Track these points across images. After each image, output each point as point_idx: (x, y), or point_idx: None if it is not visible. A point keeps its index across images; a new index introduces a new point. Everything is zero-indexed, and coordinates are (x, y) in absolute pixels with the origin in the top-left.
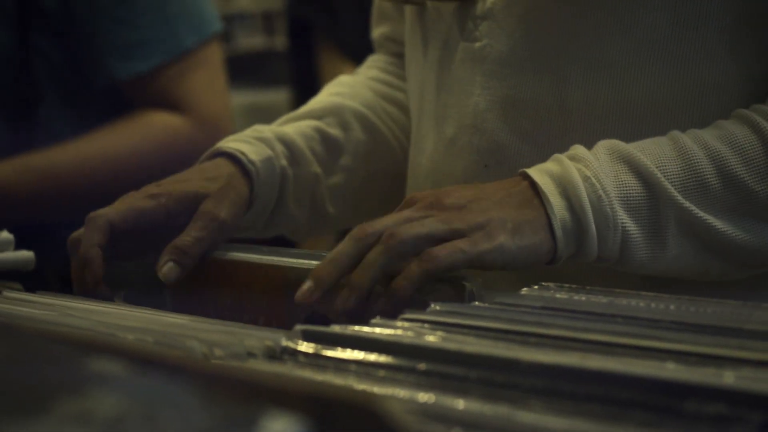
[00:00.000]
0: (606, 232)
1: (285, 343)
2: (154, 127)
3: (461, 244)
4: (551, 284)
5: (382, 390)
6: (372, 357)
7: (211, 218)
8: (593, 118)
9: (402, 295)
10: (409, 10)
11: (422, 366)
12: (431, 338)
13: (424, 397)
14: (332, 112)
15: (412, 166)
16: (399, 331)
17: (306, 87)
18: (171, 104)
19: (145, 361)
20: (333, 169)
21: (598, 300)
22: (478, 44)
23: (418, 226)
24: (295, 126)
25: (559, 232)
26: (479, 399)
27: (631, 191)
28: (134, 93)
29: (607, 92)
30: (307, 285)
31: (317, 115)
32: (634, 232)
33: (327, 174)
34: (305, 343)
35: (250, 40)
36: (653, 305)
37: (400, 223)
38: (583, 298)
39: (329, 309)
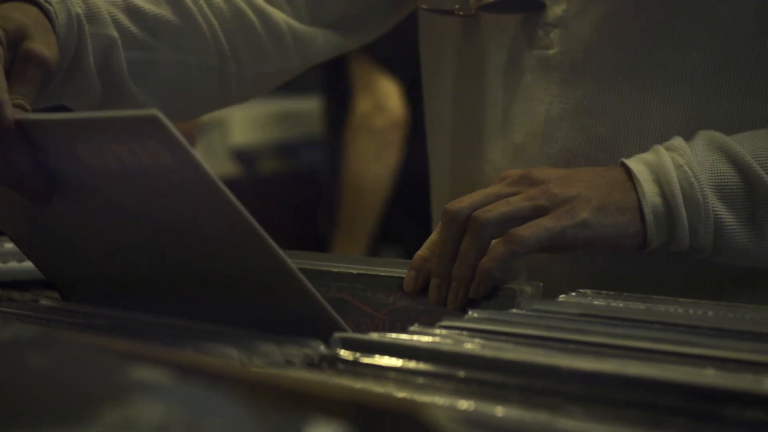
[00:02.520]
0: (697, 220)
1: (324, 350)
2: None
3: (545, 221)
4: (589, 291)
5: (422, 397)
6: (411, 364)
7: (41, 61)
8: (670, 126)
9: (490, 276)
10: (448, 21)
11: (461, 373)
12: (470, 345)
13: (464, 404)
14: None
15: (469, 172)
16: (437, 339)
17: (337, 95)
18: None
19: (185, 369)
20: (133, 41)
21: (636, 306)
22: (550, 51)
23: (504, 204)
24: None
25: (649, 217)
26: (519, 406)
27: (725, 180)
28: None
29: (685, 100)
30: (410, 274)
31: None
32: (728, 220)
33: (126, 45)
34: (344, 350)
35: None
36: (691, 311)
37: (488, 201)
38: (621, 305)
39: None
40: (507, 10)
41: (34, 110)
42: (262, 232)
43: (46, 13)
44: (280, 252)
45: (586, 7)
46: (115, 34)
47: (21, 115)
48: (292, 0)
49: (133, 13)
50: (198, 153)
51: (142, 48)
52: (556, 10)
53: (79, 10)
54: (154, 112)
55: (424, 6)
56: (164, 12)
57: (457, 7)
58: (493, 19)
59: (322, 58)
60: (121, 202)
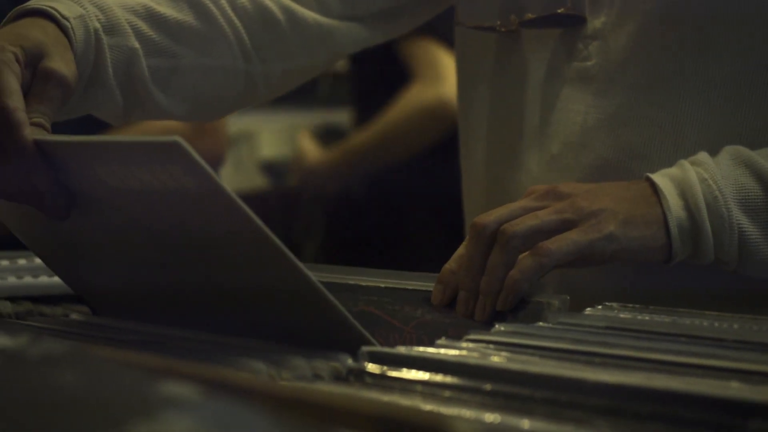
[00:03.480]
0: (722, 232)
1: (351, 364)
2: None
3: (572, 234)
4: (615, 304)
5: (448, 410)
6: (438, 378)
7: (60, 80)
8: (706, 136)
9: (518, 289)
10: (486, 37)
11: (488, 386)
12: (496, 359)
13: (490, 417)
14: None
15: (503, 182)
16: (464, 352)
17: (368, 107)
18: None
19: (214, 384)
20: (155, 49)
21: (662, 319)
22: (589, 63)
23: (531, 218)
24: None
25: (674, 230)
26: (544, 419)
27: (750, 193)
28: None
29: (719, 109)
30: (437, 288)
31: None
32: (753, 233)
33: (148, 53)
34: (371, 364)
35: None
36: (716, 324)
37: (515, 215)
38: (647, 318)
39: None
40: (548, 25)
41: (58, 123)
42: (285, 249)
43: (64, 30)
44: (304, 268)
45: (622, 19)
46: (136, 44)
47: (40, 135)
48: None
49: (155, 20)
50: (227, 167)
51: (165, 55)
52: (595, 23)
53: (98, 24)
54: (176, 138)
55: (465, 23)
56: (186, 17)
57: (498, 23)
58: (534, 34)
59: (350, 51)
60: (142, 221)
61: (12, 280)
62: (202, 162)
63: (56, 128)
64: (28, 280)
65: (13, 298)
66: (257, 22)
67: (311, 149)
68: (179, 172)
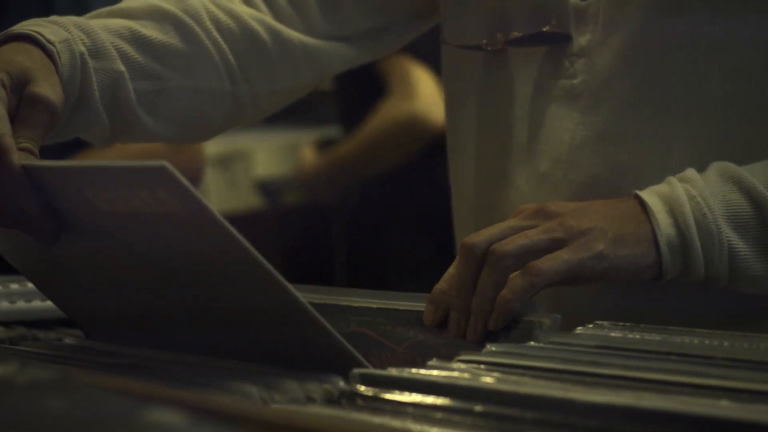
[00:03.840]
0: (711, 249)
1: (343, 386)
2: None
3: (562, 254)
4: (606, 323)
5: None
6: (429, 399)
7: (46, 105)
8: (693, 152)
9: (509, 308)
10: (472, 55)
11: (479, 408)
12: (487, 379)
13: None
14: (149, 15)
15: (493, 200)
16: (455, 373)
17: (355, 124)
18: None
19: (204, 409)
20: (141, 72)
21: (652, 338)
22: (575, 81)
23: (521, 237)
24: (102, 21)
25: (664, 248)
26: None
27: (738, 210)
28: None
29: (706, 126)
30: (429, 308)
31: (130, 14)
32: (742, 249)
33: (133, 76)
34: (363, 386)
35: None
36: (707, 342)
37: (504, 234)
38: (638, 336)
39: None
40: (534, 43)
41: (46, 147)
42: (273, 270)
43: (49, 54)
44: (294, 291)
45: (607, 36)
46: (122, 67)
47: (28, 161)
48: (306, 15)
49: (140, 43)
50: (221, 187)
51: (151, 78)
52: (581, 41)
53: (83, 48)
54: (163, 163)
55: (451, 42)
56: (171, 40)
57: (484, 42)
58: (520, 52)
59: (336, 71)
60: (132, 244)
61: (4, 304)
62: (189, 185)
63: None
64: (20, 304)
65: (6, 323)
66: (243, 43)
67: (309, 158)
68: (166, 195)
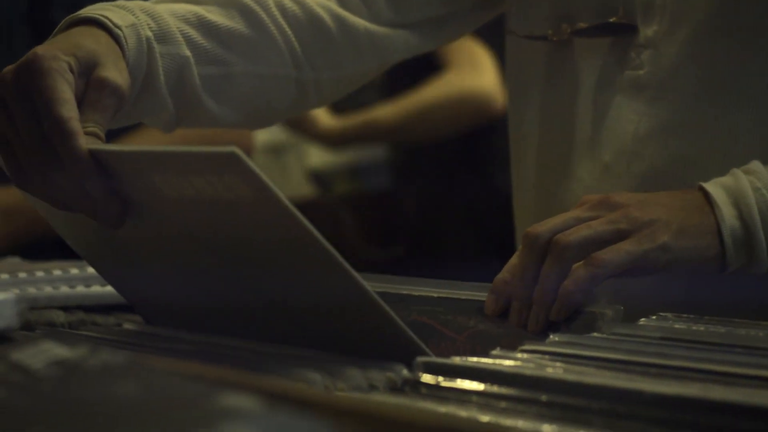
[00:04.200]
0: None
1: (406, 374)
2: None
3: (626, 245)
4: (669, 314)
5: (505, 421)
6: (493, 388)
7: (114, 89)
8: (758, 144)
9: (572, 299)
10: (539, 44)
11: (544, 397)
12: (551, 369)
13: (547, 428)
14: (215, 0)
15: (555, 191)
16: (519, 363)
17: (395, 89)
18: None
19: (272, 395)
20: (207, 57)
21: (717, 330)
22: (641, 72)
23: (585, 228)
24: (168, 6)
25: (728, 240)
26: (601, 430)
27: None
28: None
29: None
30: (491, 298)
31: (197, 0)
32: None
33: (199, 61)
34: (426, 374)
35: None
36: None
37: (568, 225)
38: (702, 328)
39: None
40: (600, 34)
41: (111, 131)
42: (341, 258)
43: (116, 39)
44: (360, 278)
45: (674, 27)
46: (188, 52)
47: (95, 145)
48: (371, 2)
49: (206, 28)
50: (274, 177)
51: (217, 63)
52: (647, 32)
53: (149, 33)
54: (233, 149)
55: (517, 32)
56: (238, 25)
57: (550, 32)
58: (585, 43)
59: (400, 59)
60: (197, 229)
61: (64, 289)
62: (259, 171)
63: None
64: (80, 289)
65: (66, 308)
66: (308, 30)
67: (325, 120)
68: (236, 181)
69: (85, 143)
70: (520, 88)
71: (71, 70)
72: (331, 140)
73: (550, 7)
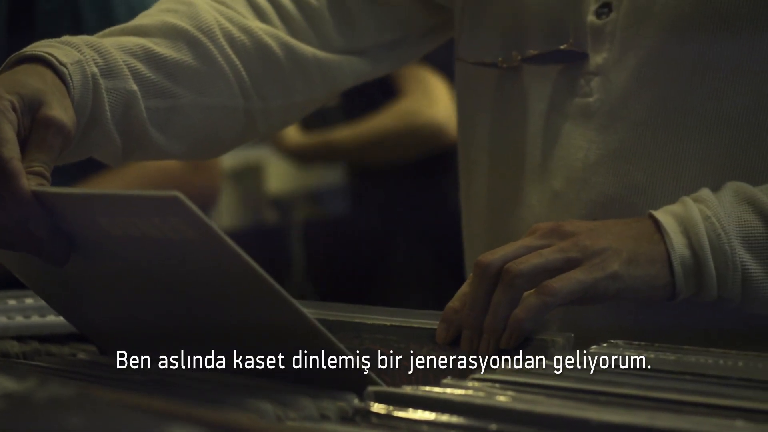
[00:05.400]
0: (725, 270)
1: (358, 404)
2: None
3: (576, 274)
4: (620, 342)
5: None
6: (444, 417)
7: (59, 128)
8: (706, 171)
9: (522, 328)
10: (487, 72)
11: (493, 426)
12: (502, 398)
13: None
14: (162, 32)
15: (505, 218)
16: (470, 392)
17: (354, 114)
18: None
19: (220, 426)
20: (154, 90)
21: (667, 357)
22: (590, 99)
23: (536, 256)
24: (115, 39)
25: (678, 268)
26: None
27: (753, 231)
28: None
29: (721, 146)
30: (441, 326)
31: (143, 32)
32: (756, 271)
33: (146, 94)
34: (377, 404)
35: None
36: (722, 362)
37: (519, 253)
38: (652, 356)
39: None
40: (550, 61)
41: (58, 168)
42: (285, 294)
43: (61, 76)
44: (304, 311)
45: (624, 55)
46: (134, 86)
47: (39, 187)
48: (321, 30)
49: (153, 61)
50: (233, 202)
51: (164, 96)
52: (597, 59)
53: (95, 69)
54: (176, 193)
55: (466, 59)
56: (185, 57)
57: (500, 59)
58: (535, 70)
59: (350, 85)
60: (143, 266)
61: (19, 319)
62: (201, 214)
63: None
64: (35, 319)
65: (20, 338)
66: (256, 59)
67: (293, 136)
68: (179, 223)
69: (28, 184)
70: (469, 114)
71: (14, 109)
72: (296, 155)
73: (500, 35)
